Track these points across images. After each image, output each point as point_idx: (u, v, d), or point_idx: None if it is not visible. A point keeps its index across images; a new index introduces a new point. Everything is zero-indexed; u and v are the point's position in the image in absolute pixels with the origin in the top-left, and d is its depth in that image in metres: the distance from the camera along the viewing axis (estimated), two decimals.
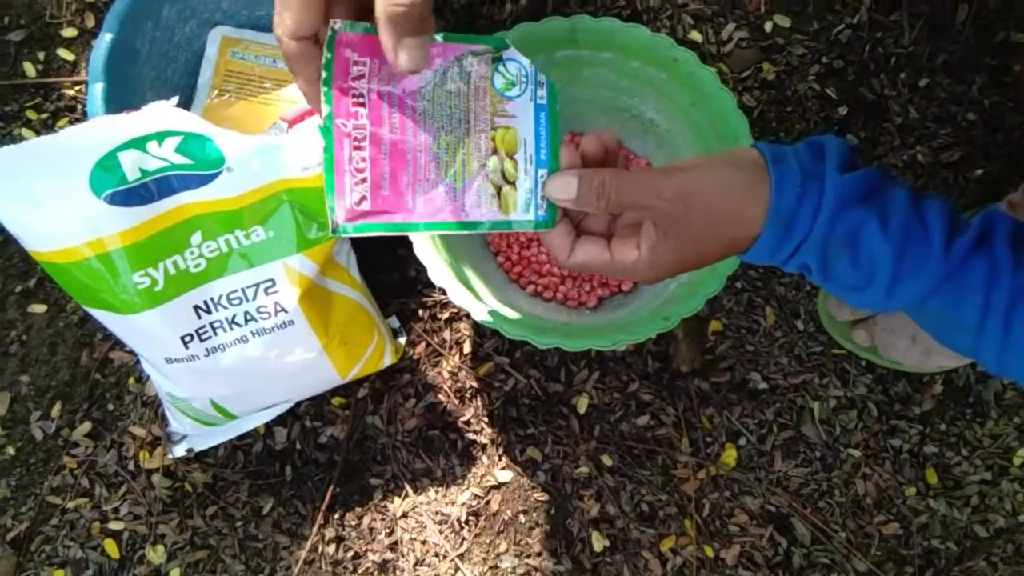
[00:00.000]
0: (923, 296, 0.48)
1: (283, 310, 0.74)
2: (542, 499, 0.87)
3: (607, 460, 0.87)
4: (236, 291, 0.73)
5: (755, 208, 0.48)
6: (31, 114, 0.94)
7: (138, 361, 0.90)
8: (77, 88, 0.96)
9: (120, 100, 0.82)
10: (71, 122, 0.96)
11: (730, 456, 0.87)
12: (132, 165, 0.66)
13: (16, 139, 0.94)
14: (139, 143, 0.66)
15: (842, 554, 0.85)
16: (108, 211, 0.66)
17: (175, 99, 0.66)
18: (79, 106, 0.96)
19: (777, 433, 0.88)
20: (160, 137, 0.66)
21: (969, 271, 0.48)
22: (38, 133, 0.94)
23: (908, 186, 0.52)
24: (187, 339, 0.73)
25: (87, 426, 0.88)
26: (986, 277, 0.48)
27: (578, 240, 0.52)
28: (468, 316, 0.91)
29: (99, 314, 0.71)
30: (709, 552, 0.85)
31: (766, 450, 0.87)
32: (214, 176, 0.68)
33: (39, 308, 0.91)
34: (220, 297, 0.73)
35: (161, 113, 0.66)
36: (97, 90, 0.83)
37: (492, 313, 0.73)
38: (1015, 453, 0.86)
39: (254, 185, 0.70)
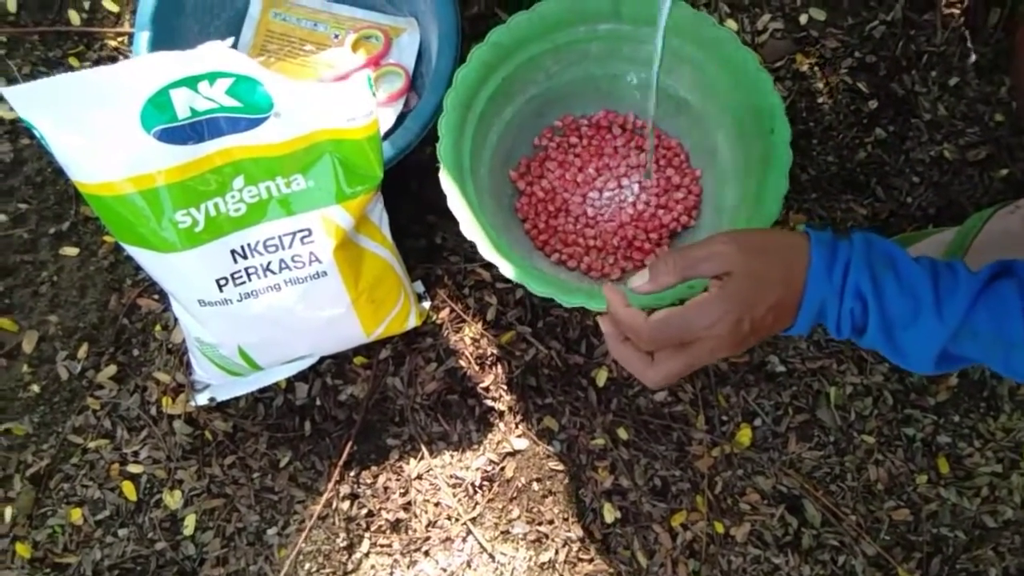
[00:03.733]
0: (966, 310, 0.53)
1: (317, 260, 0.75)
2: (556, 468, 0.88)
3: (623, 433, 0.88)
4: (273, 238, 0.74)
5: (798, 237, 0.57)
6: (73, 61, 0.96)
7: (165, 309, 0.91)
8: (120, 39, 0.97)
9: (165, 50, 0.84)
10: None
11: (745, 436, 0.88)
12: (183, 103, 0.66)
13: None
14: (191, 82, 0.66)
15: (851, 537, 0.86)
16: (156, 147, 0.66)
17: (230, 40, 0.67)
18: (121, 57, 0.97)
19: (792, 416, 0.89)
20: (212, 78, 0.67)
21: (999, 287, 0.54)
22: None
23: None
24: (222, 282, 0.74)
25: (112, 369, 0.89)
26: (1019, 291, 0.52)
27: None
28: (492, 284, 0.92)
29: (138, 252, 0.72)
30: (719, 529, 0.86)
31: (781, 432, 0.88)
32: (261, 120, 0.69)
33: (71, 251, 0.92)
34: (257, 243, 0.74)
35: (214, 53, 0.67)
36: (143, 38, 0.84)
37: (519, 270, 0.74)
38: None
39: (299, 132, 0.71)
